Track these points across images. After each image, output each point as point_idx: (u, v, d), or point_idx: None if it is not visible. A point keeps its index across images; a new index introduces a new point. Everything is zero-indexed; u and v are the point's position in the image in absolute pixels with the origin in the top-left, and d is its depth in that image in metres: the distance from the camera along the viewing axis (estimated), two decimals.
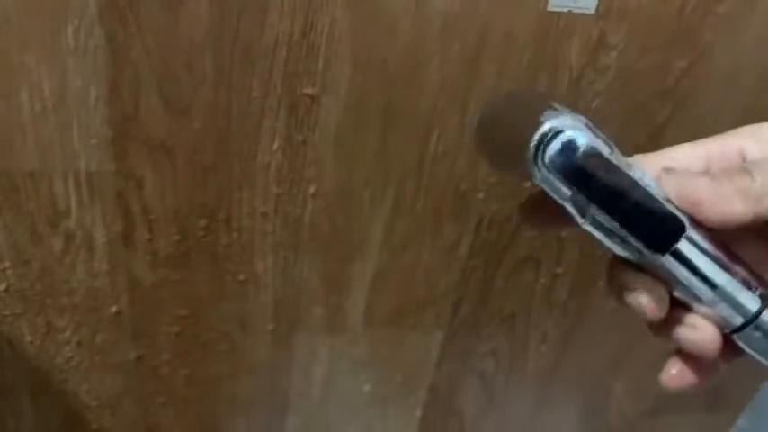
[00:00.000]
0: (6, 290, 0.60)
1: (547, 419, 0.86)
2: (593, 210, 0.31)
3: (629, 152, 0.33)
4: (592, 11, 0.53)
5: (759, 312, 0.32)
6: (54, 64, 0.49)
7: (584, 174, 0.31)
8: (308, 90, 0.54)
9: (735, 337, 0.33)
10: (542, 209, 0.35)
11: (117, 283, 0.63)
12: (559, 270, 0.70)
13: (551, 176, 0.31)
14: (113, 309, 0.64)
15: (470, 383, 0.79)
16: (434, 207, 0.63)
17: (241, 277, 0.64)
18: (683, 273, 0.32)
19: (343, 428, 0.82)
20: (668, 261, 0.32)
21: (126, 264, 0.61)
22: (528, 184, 0.34)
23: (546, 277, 0.70)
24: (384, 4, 0.50)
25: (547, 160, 0.31)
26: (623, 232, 0.31)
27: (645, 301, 0.33)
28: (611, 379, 0.83)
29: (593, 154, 0.31)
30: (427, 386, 0.78)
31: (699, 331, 0.33)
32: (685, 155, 0.36)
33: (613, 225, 0.31)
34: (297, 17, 0.50)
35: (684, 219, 0.31)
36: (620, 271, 0.34)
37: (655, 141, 0.62)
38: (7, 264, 0.59)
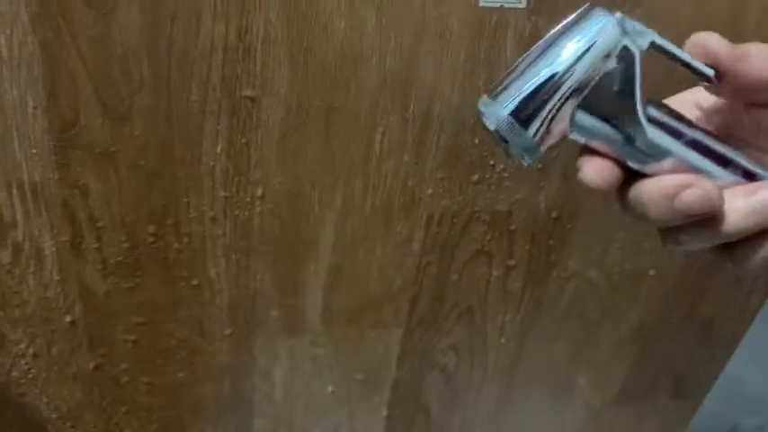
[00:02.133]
0: None
1: (513, 411, 0.86)
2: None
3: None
4: (522, 5, 0.54)
5: None
6: None
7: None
8: (248, 92, 0.54)
9: None
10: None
11: (69, 293, 0.63)
12: (512, 262, 0.70)
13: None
14: (67, 319, 0.64)
15: (434, 379, 0.80)
16: (384, 205, 0.64)
17: (194, 282, 0.64)
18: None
19: (311, 430, 0.82)
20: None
21: (77, 273, 0.61)
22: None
23: (499, 270, 0.71)
24: (317, 4, 0.51)
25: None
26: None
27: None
28: (573, 369, 0.84)
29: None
30: (391, 384, 0.79)
31: None
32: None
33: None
34: (231, 20, 0.50)
35: None
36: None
37: None
38: None
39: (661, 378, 0.88)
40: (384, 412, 0.81)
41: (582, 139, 0.39)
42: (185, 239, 0.61)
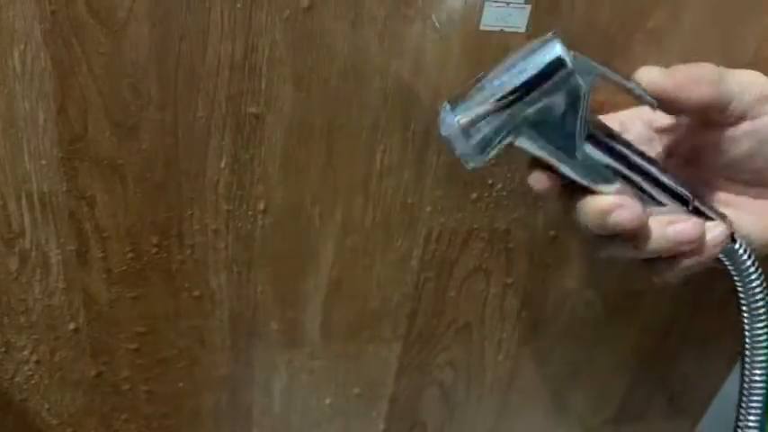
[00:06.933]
0: None
1: (510, 428, 0.87)
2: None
3: None
4: (522, 29, 0.55)
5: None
6: (1, 88, 0.51)
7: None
8: (253, 109, 0.56)
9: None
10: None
11: (73, 301, 0.64)
12: (509, 280, 0.71)
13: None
14: (71, 326, 0.65)
15: (431, 394, 0.80)
16: (383, 221, 0.65)
17: (196, 293, 0.66)
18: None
19: None
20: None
21: (82, 281, 0.63)
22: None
23: (497, 287, 0.72)
24: (321, 26, 0.52)
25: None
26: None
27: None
28: (570, 388, 0.85)
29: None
30: (388, 398, 0.80)
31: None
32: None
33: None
34: (237, 40, 0.52)
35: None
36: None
37: None
38: None
39: (658, 398, 0.89)
40: (381, 426, 0.82)
41: (526, 150, 0.45)
42: (188, 251, 0.63)
